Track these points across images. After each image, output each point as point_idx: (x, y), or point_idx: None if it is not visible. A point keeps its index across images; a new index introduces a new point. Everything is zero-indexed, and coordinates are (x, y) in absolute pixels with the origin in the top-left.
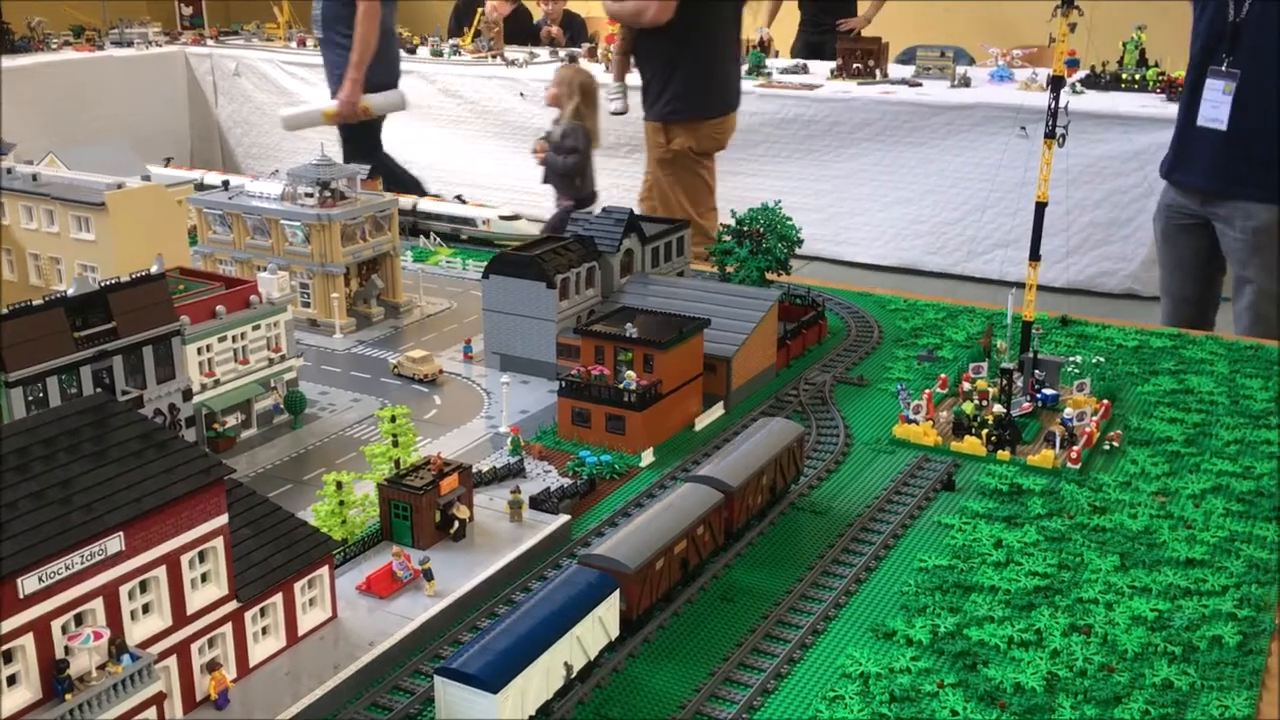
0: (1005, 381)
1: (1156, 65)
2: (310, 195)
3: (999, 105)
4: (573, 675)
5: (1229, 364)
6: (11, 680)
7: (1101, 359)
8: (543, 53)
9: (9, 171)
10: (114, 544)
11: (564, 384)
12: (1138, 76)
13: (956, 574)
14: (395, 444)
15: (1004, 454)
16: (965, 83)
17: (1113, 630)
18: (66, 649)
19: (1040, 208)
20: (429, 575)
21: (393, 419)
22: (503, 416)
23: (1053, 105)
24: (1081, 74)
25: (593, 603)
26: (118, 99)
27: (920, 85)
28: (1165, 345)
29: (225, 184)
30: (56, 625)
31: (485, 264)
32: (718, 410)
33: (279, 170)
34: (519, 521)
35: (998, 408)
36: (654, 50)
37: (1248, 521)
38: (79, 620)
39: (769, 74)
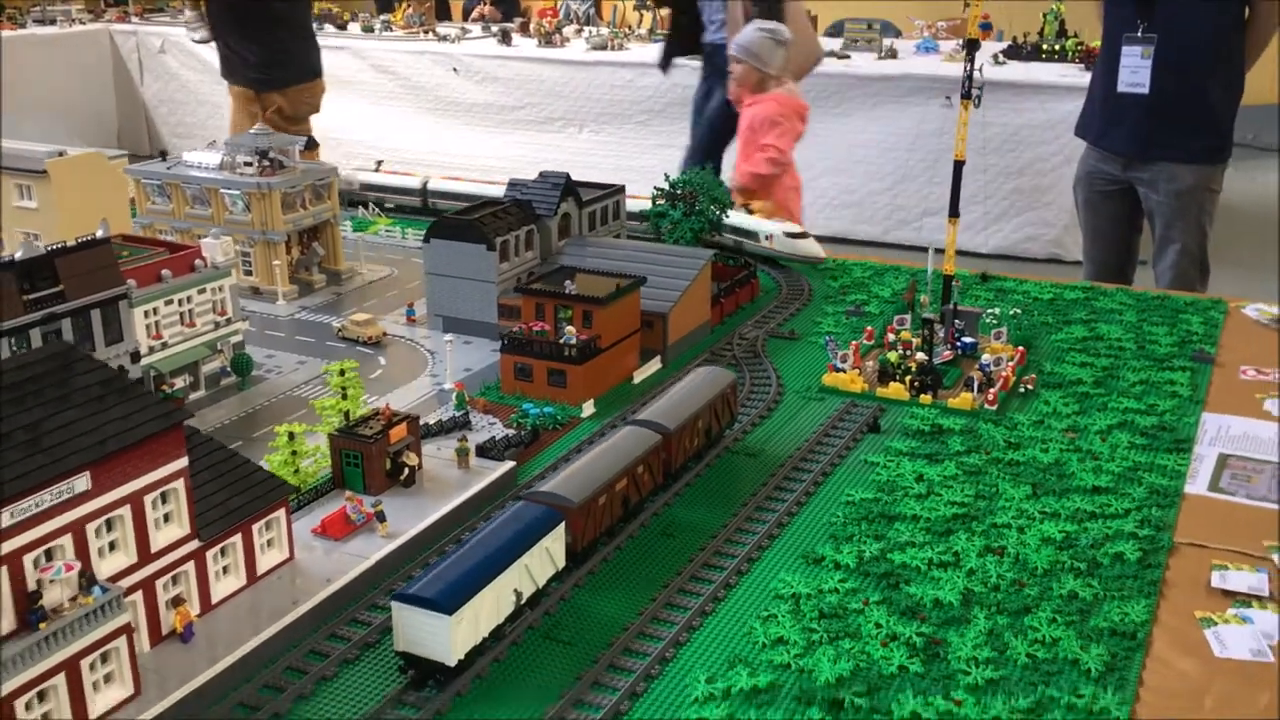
0: (927, 331)
1: (1075, 36)
2: (249, 164)
3: (924, 76)
4: (522, 601)
5: (1137, 314)
6: None
7: (1018, 310)
8: (475, 29)
9: None
10: (81, 483)
11: (506, 340)
12: (1057, 47)
13: (881, 505)
14: (344, 397)
15: (926, 398)
16: (892, 54)
17: (1024, 550)
18: (39, 582)
19: (958, 166)
20: (381, 517)
21: (341, 373)
22: (447, 374)
23: (968, 68)
24: (1003, 45)
25: (539, 534)
26: (41, 77)
27: (848, 57)
28: (1078, 297)
29: (162, 154)
30: (28, 559)
31: (424, 231)
32: (655, 364)
33: (215, 140)
34: (466, 468)
35: (920, 356)
36: (243, 18)
37: (1150, 453)
38: (49, 556)
39: None
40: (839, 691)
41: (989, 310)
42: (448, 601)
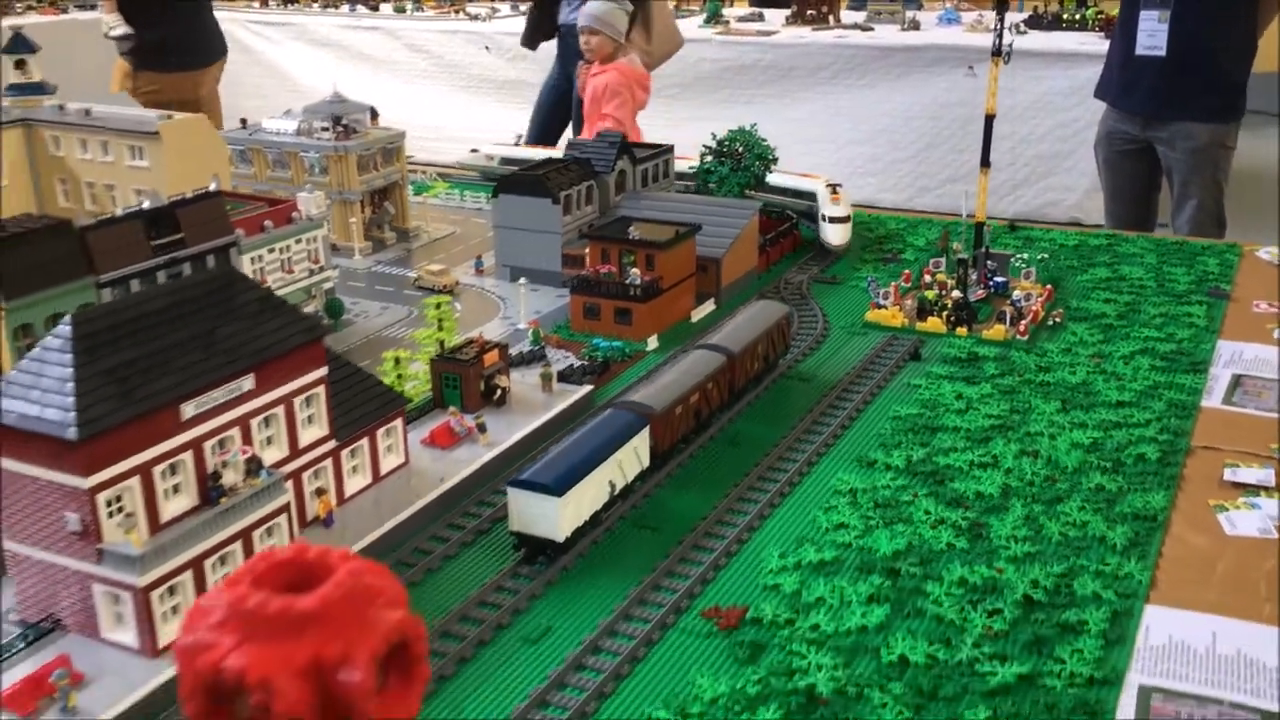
0: (962, 271)
1: (1095, 5)
2: (325, 129)
3: (947, 47)
4: (616, 493)
5: (1157, 257)
6: (175, 489)
7: (1045, 255)
8: (504, 7)
9: (61, 108)
10: (247, 383)
11: (575, 281)
12: (1078, 16)
13: (925, 419)
14: (440, 328)
15: (962, 330)
16: (915, 26)
17: (1055, 453)
18: (218, 465)
19: (989, 119)
20: (483, 428)
21: (437, 305)
22: (521, 314)
23: (999, 26)
24: (1024, 15)
25: (628, 436)
26: (83, 60)
27: (872, 30)
28: (1101, 244)
29: (243, 122)
30: (208, 445)
31: (484, 195)
32: (709, 306)
33: (291, 109)
34: (549, 391)
35: (956, 293)
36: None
37: (1169, 374)
38: (222, 445)
39: (726, 21)
40: (895, 563)
41: (1018, 254)
42: (557, 485)
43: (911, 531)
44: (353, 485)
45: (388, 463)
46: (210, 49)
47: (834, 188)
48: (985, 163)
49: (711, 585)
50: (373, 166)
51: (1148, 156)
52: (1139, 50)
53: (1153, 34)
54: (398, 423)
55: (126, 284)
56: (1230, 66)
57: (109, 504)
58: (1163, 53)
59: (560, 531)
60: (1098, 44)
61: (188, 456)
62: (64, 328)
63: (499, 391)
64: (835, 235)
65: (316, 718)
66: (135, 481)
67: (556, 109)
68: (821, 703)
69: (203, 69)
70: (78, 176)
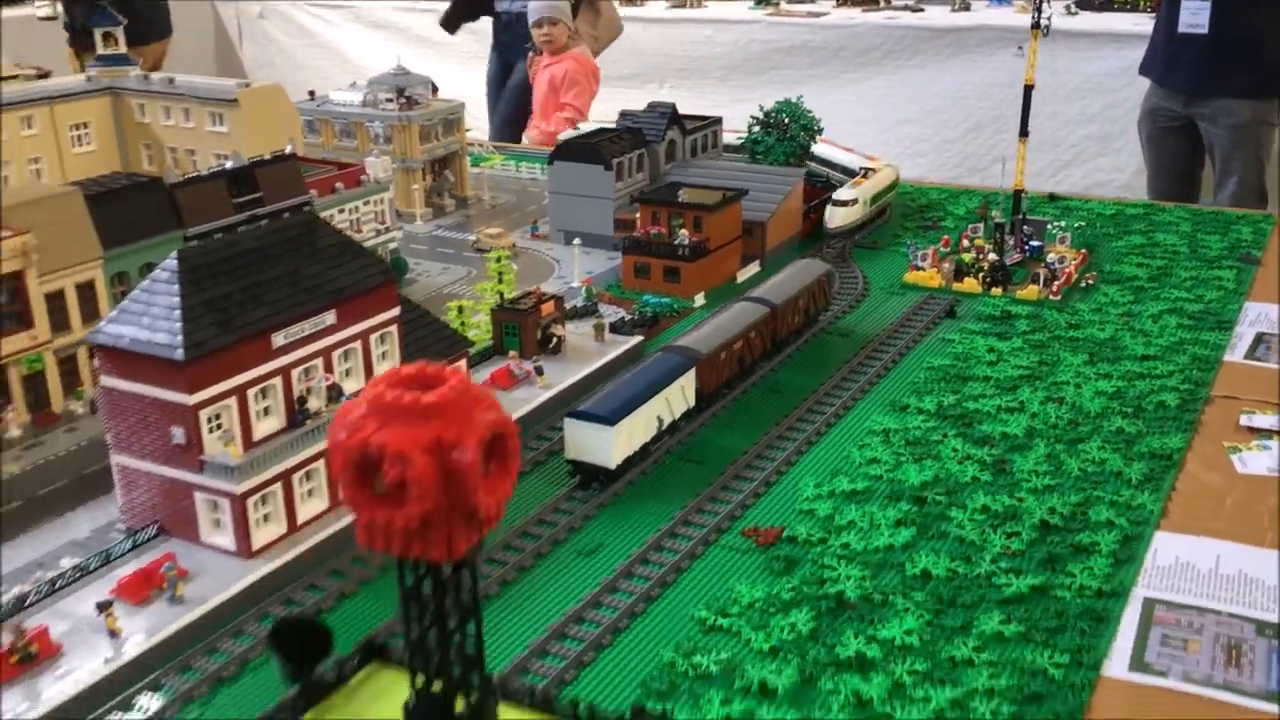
0: (999, 235)
1: None
2: (390, 101)
3: (997, 27)
4: (663, 427)
5: (1192, 224)
6: (266, 411)
7: (1083, 223)
8: None
9: (146, 78)
10: (329, 317)
11: (627, 242)
12: None
13: (957, 369)
14: (500, 280)
15: (996, 291)
16: (965, 6)
17: (1080, 399)
18: (304, 391)
19: (1028, 90)
20: (540, 371)
21: (498, 259)
22: (575, 272)
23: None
24: None
25: (676, 375)
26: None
27: (922, 10)
28: (1138, 213)
29: (311, 94)
30: (295, 373)
31: (539, 166)
32: (754, 267)
33: (355, 82)
34: (602, 341)
35: (992, 256)
36: None
37: (1195, 331)
38: (307, 373)
39: (776, 2)
40: (923, 492)
41: (1055, 221)
42: (611, 416)
43: (939, 466)
44: None
45: None
46: (150, 29)
47: (866, 171)
48: (1024, 132)
49: (751, 510)
50: (434, 136)
51: (1190, 133)
52: (1181, 28)
53: (1195, 12)
54: (462, 364)
55: (210, 239)
56: (1271, 44)
57: (210, 420)
58: (1205, 30)
59: (613, 459)
60: (1149, 24)
61: (277, 382)
62: (171, 262)
63: (555, 340)
64: (837, 217)
65: (437, 488)
66: (232, 401)
67: (516, 100)
68: (849, 606)
69: (139, 48)
70: (161, 141)
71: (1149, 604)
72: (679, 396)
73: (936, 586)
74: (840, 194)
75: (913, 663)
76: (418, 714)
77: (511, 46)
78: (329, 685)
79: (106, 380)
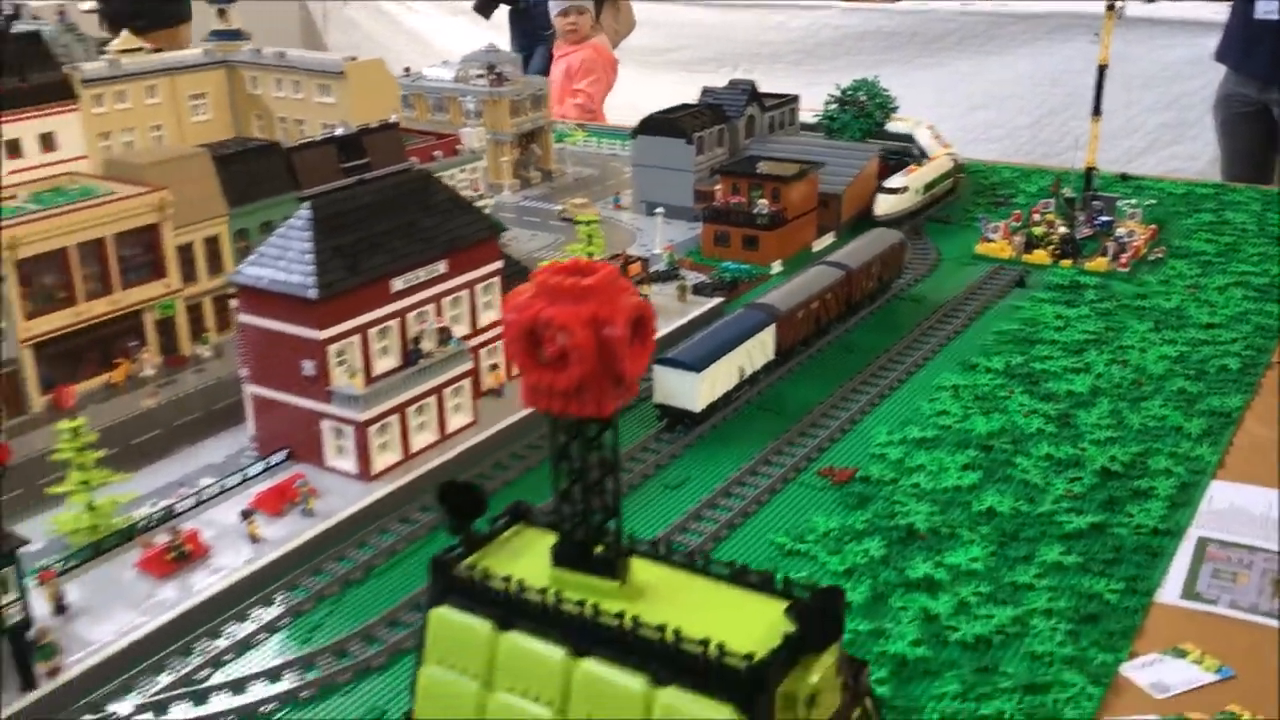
0: (1070, 209)
1: None
2: (481, 76)
3: (1073, 14)
4: (744, 377)
5: (1262, 205)
6: (385, 350)
7: (1153, 201)
8: None
9: (258, 51)
10: (441, 266)
11: (707, 211)
12: None
13: (1025, 333)
14: (590, 243)
15: (1066, 263)
16: None
17: (1144, 362)
18: (418, 333)
19: (1101, 69)
20: None
21: (588, 223)
22: (656, 241)
23: None
24: None
25: (757, 330)
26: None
27: None
28: (1209, 193)
29: (406, 70)
30: (411, 315)
31: (619, 142)
32: (829, 238)
33: (446, 60)
34: (684, 301)
35: (1062, 229)
36: None
37: (1260, 303)
38: (421, 317)
39: None
40: (989, 441)
41: (1126, 198)
42: (697, 363)
43: (1005, 419)
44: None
45: None
46: (176, 12)
47: (922, 155)
48: (1097, 111)
49: (826, 453)
50: (522, 111)
51: (1265, 119)
52: (1258, 14)
53: None
54: None
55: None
56: None
57: (337, 355)
58: (1277, 16)
59: (698, 403)
60: (1225, 12)
61: (395, 323)
62: (305, 211)
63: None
64: (884, 204)
65: (593, 355)
66: (356, 339)
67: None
68: (920, 537)
69: (170, 29)
70: (272, 111)
71: (1202, 542)
72: (759, 349)
73: (1001, 522)
74: (890, 181)
75: (977, 585)
76: (562, 556)
77: (529, 34)
78: (483, 538)
79: (244, 318)
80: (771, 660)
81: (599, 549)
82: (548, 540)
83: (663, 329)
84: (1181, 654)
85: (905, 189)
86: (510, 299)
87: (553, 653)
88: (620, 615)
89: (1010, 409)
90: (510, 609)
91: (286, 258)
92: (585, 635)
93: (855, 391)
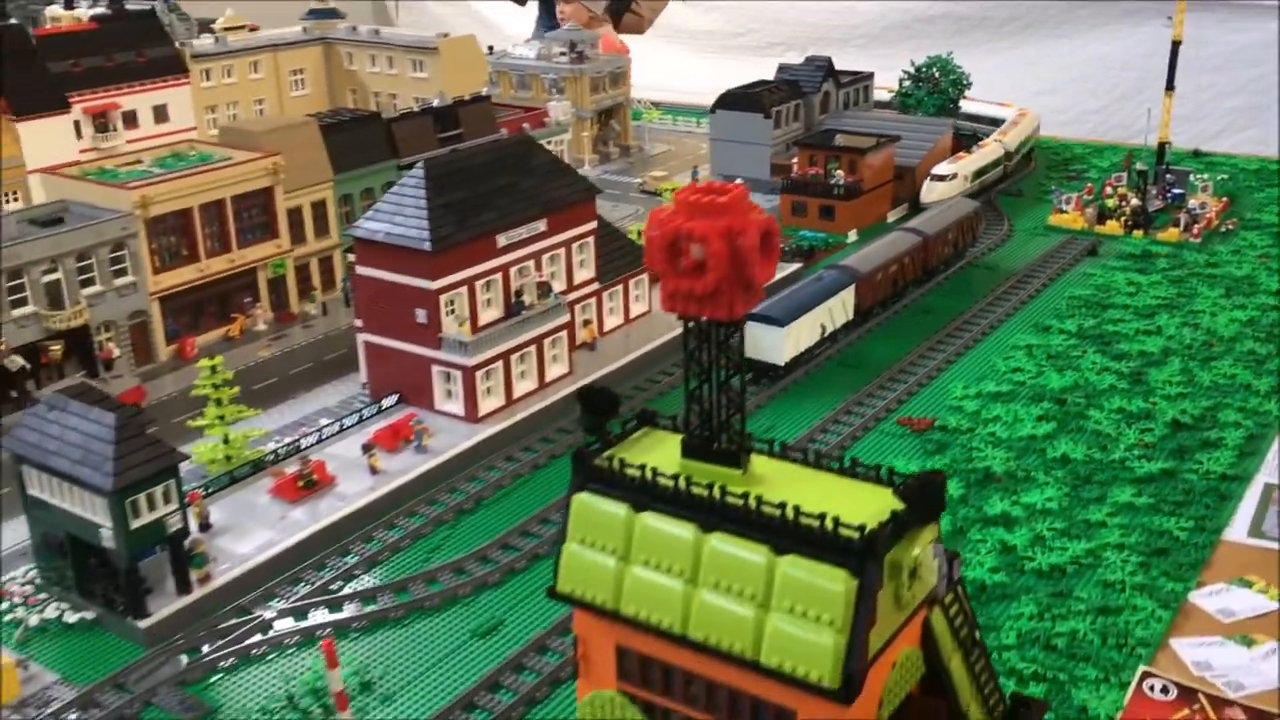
0: (1142, 182)
1: None
2: (563, 54)
3: None
4: (825, 334)
5: None
6: (489, 301)
7: (1225, 175)
8: None
9: (354, 29)
10: (541, 225)
11: (786, 182)
12: None
13: (1097, 298)
14: None
15: (1138, 233)
16: None
17: (1214, 325)
18: (520, 286)
19: (1175, 45)
20: None
21: (672, 190)
22: None
23: None
24: None
25: (838, 290)
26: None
27: None
28: None
29: (490, 49)
30: (513, 270)
31: (694, 120)
32: (904, 209)
33: (528, 39)
34: None
35: (1134, 201)
36: None
37: None
38: (522, 271)
39: None
40: (1063, 395)
41: (1198, 173)
42: (783, 318)
43: (1078, 375)
44: (610, 322)
45: (636, 308)
46: None
47: (977, 141)
48: (1170, 86)
49: (904, 405)
50: (602, 88)
51: None
52: None
53: None
54: (643, 278)
55: (448, 154)
56: None
57: (447, 304)
58: None
59: (782, 356)
60: None
61: (499, 276)
62: (419, 170)
63: None
64: (933, 191)
65: (726, 264)
66: (464, 290)
67: None
68: (996, 480)
69: None
70: (366, 86)
71: (1269, 488)
72: (840, 308)
73: (1074, 467)
74: (939, 168)
75: (1051, 522)
76: (690, 449)
77: (546, 24)
78: (616, 437)
79: (361, 270)
80: (881, 531)
81: (722, 444)
82: (672, 440)
83: None
84: (1247, 584)
85: (954, 176)
86: (653, 215)
87: (684, 529)
88: (744, 496)
89: (1083, 367)
90: (645, 493)
91: (402, 213)
92: (713, 514)
93: (932, 350)
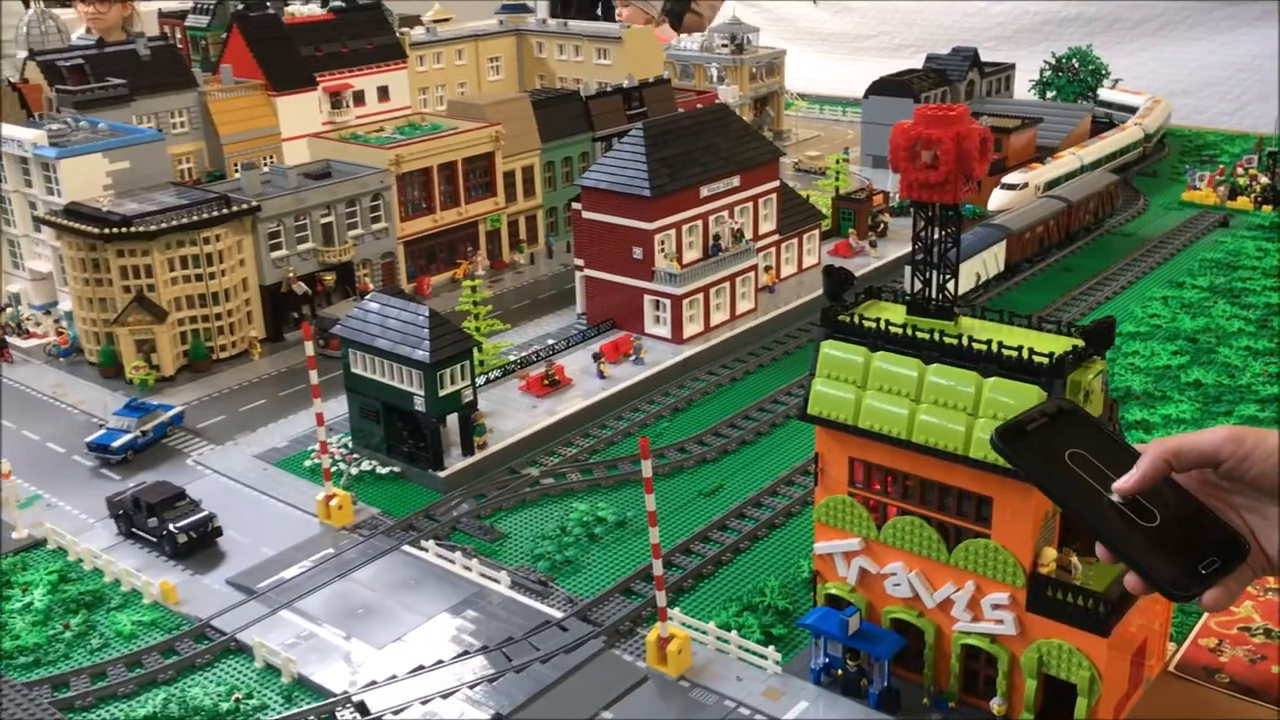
0: (1272, 162)
1: None
2: (725, 46)
3: None
4: (980, 282)
5: None
6: (691, 244)
7: None
8: None
9: (543, 21)
10: (735, 181)
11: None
12: None
13: (1228, 260)
14: (837, 179)
15: (1267, 208)
16: None
17: None
18: (716, 233)
19: None
20: (873, 244)
21: (836, 161)
22: (889, 183)
23: None
24: None
25: (991, 243)
26: None
27: None
28: None
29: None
30: (711, 218)
31: (840, 109)
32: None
33: (692, 32)
34: None
35: (1264, 179)
36: None
37: None
38: (718, 219)
39: None
40: (1195, 335)
41: None
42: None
43: (1209, 320)
44: (786, 270)
45: (808, 260)
46: None
47: (1113, 126)
48: None
49: None
50: (759, 77)
51: None
52: None
53: None
54: (815, 233)
55: (609, 141)
56: None
57: (660, 244)
58: None
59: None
60: None
61: (700, 223)
62: (638, 131)
63: (883, 224)
64: (1001, 199)
65: (954, 160)
66: (673, 232)
67: None
68: (1135, 398)
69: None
70: (553, 73)
71: None
72: (993, 260)
73: (1205, 390)
74: (1010, 178)
75: (1185, 429)
76: (913, 307)
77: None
78: (849, 305)
79: (586, 214)
80: (1065, 357)
81: (939, 301)
82: (891, 307)
83: (903, 249)
84: None
85: (1025, 185)
86: (898, 126)
87: (909, 363)
88: (958, 336)
89: (1214, 314)
90: (878, 339)
91: (623, 166)
92: (932, 351)
93: (1074, 299)
